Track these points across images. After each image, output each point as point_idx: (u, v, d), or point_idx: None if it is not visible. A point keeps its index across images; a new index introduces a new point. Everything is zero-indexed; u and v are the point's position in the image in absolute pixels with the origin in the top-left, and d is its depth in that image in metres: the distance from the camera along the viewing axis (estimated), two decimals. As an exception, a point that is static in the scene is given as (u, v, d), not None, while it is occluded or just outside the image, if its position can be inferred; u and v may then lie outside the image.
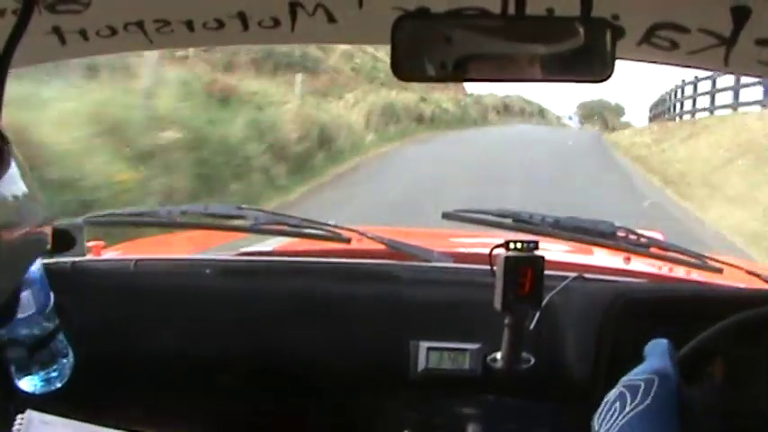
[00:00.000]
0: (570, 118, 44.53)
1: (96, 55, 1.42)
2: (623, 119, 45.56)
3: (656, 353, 1.13)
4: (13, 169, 0.91)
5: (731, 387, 1.31)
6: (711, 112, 16.88)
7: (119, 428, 1.20)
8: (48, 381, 1.18)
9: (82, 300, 1.45)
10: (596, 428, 1.06)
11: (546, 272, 1.37)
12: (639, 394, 1.04)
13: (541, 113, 38.83)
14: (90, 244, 1.75)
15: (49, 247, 1.05)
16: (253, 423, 1.52)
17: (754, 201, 8.84)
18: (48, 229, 1.03)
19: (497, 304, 1.36)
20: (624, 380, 1.09)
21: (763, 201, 8.64)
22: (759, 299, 1.41)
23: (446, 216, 1.75)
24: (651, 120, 25.28)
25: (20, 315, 1.11)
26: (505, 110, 33.31)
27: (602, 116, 44.22)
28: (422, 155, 13.90)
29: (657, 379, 1.06)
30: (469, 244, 2.07)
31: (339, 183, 10.82)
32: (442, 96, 24.36)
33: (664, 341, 1.14)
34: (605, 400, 1.09)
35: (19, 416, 1.10)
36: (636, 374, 1.09)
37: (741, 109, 15.26)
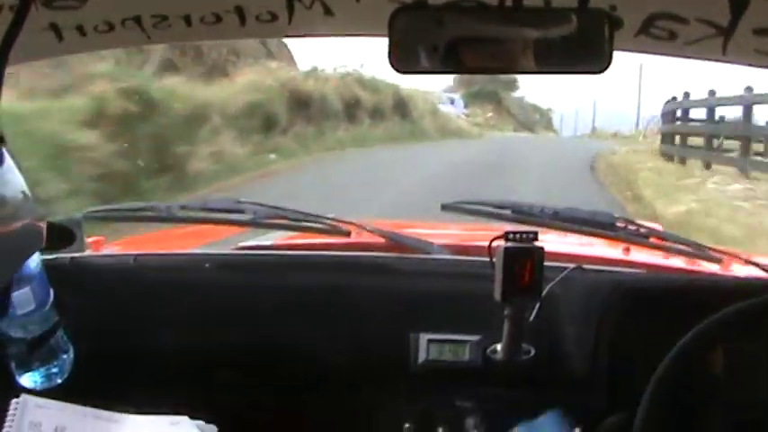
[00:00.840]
0: (452, 102, 29.26)
1: (94, 51, 1.42)
2: (516, 94, 36.45)
3: None
4: (8, 165, 0.92)
5: (731, 378, 1.32)
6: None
7: None
8: (48, 377, 1.18)
9: (82, 295, 1.45)
10: None
11: (545, 263, 1.37)
12: None
13: (400, 108, 20.25)
14: (89, 239, 1.75)
15: (44, 243, 1.06)
16: (253, 416, 1.52)
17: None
18: (43, 225, 1.04)
19: (497, 296, 1.36)
20: None
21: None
22: (758, 289, 1.41)
23: (445, 208, 1.75)
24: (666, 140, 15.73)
25: (19, 311, 1.11)
26: (300, 108, 14.34)
27: (494, 94, 33.05)
28: None
29: None
30: (469, 236, 2.07)
31: None
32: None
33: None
34: None
35: (14, 400, 1.10)
36: None
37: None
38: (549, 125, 38.26)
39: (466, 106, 30.40)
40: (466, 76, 26.83)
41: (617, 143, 21.73)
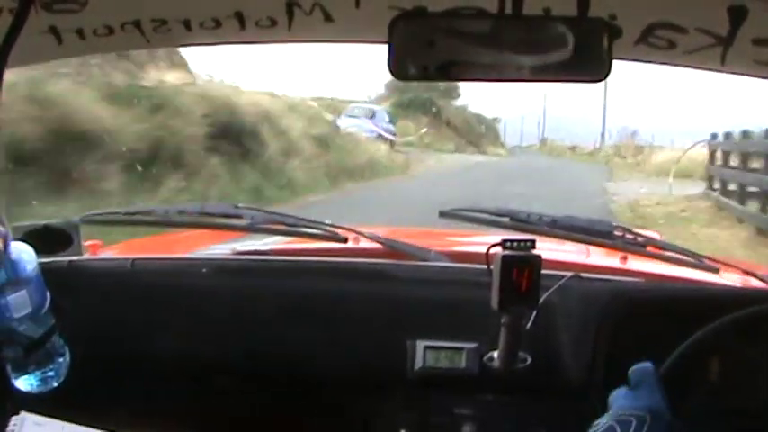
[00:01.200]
0: (371, 116, 20.41)
1: (93, 54, 1.42)
2: (458, 102, 29.87)
3: (646, 384, 1.12)
4: None
5: (728, 385, 1.32)
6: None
7: (115, 428, 1.20)
8: (44, 380, 1.18)
9: (78, 299, 1.45)
10: None
11: (542, 271, 1.37)
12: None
13: (236, 137, 9.73)
14: (87, 243, 1.75)
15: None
16: (249, 422, 1.52)
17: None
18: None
19: (494, 303, 1.35)
20: (615, 413, 1.08)
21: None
22: (755, 298, 1.42)
23: (443, 215, 1.75)
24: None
25: (16, 314, 1.11)
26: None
27: (429, 103, 25.87)
28: None
29: (650, 417, 1.06)
30: (466, 243, 2.07)
31: None
32: None
33: (649, 367, 1.14)
34: (593, 428, 1.09)
35: (13, 417, 1.10)
36: (627, 408, 1.08)
37: None
38: (496, 140, 32.39)
39: (392, 121, 21.48)
40: (397, 83, 20.31)
41: (576, 158, 19.50)
